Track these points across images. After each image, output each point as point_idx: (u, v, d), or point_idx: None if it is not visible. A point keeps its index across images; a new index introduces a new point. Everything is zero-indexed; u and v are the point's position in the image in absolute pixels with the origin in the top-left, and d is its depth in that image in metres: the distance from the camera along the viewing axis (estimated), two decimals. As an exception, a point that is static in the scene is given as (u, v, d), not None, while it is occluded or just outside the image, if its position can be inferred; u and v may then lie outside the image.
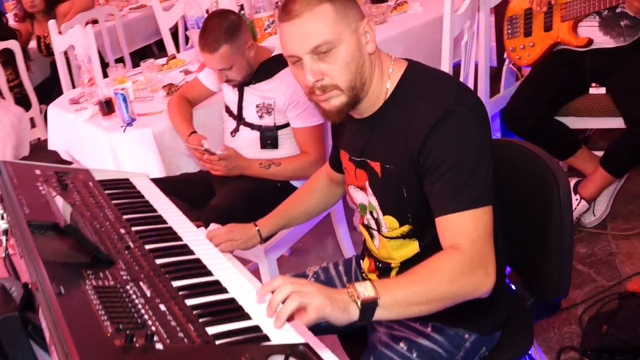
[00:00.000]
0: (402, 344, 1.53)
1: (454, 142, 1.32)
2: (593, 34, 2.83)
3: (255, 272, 2.44)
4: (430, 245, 1.45)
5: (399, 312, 1.21)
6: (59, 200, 1.44)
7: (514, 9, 3.15)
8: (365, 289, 1.16)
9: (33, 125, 4.89)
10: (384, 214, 1.50)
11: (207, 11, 3.85)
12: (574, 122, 2.93)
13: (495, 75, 3.56)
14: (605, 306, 2.39)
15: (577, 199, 2.86)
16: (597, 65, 2.84)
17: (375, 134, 1.47)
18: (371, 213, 1.56)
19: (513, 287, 1.78)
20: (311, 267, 1.86)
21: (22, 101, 4.77)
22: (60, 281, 1.17)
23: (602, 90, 2.86)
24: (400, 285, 1.23)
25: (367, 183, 1.52)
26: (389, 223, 1.50)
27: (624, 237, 2.79)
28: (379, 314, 1.17)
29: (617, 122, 2.80)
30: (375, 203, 1.52)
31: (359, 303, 1.15)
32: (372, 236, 1.61)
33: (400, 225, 1.49)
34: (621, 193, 2.96)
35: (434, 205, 1.36)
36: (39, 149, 4.47)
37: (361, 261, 1.74)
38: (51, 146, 3.29)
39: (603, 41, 2.82)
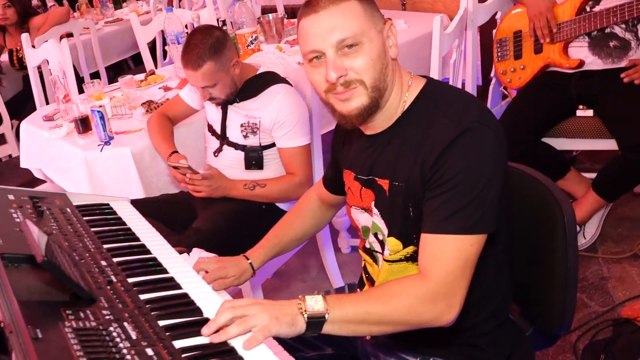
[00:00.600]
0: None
1: (469, 160, 1.26)
2: (583, 54, 2.81)
3: (237, 295, 2.34)
4: None
5: (349, 329, 1.23)
6: (35, 230, 1.33)
7: (502, 31, 3.09)
8: (315, 303, 1.19)
9: (4, 141, 4.76)
10: (389, 235, 1.42)
11: (186, 26, 3.76)
12: (563, 144, 2.89)
13: (481, 94, 3.51)
14: (599, 333, 2.33)
15: None
16: (584, 90, 2.81)
17: (386, 151, 1.40)
18: (375, 235, 1.48)
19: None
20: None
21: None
22: (36, 323, 1.06)
23: (590, 112, 2.82)
24: (354, 303, 1.23)
25: (372, 203, 1.44)
26: (392, 246, 1.42)
27: (615, 261, 2.74)
28: (328, 329, 1.20)
29: (608, 144, 2.76)
30: (381, 224, 1.44)
31: (305, 317, 1.18)
32: (375, 260, 1.52)
33: (405, 246, 1.41)
34: (610, 215, 2.92)
35: (424, 220, 1.30)
36: (10, 166, 4.33)
37: (358, 290, 1.65)
38: (23, 164, 3.17)
39: (592, 62, 2.79)
